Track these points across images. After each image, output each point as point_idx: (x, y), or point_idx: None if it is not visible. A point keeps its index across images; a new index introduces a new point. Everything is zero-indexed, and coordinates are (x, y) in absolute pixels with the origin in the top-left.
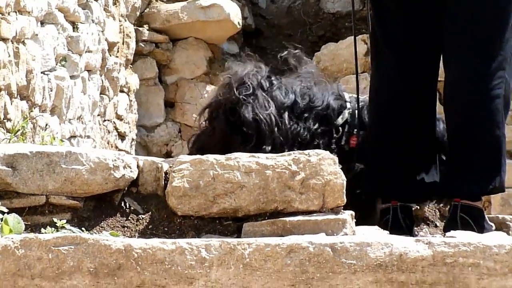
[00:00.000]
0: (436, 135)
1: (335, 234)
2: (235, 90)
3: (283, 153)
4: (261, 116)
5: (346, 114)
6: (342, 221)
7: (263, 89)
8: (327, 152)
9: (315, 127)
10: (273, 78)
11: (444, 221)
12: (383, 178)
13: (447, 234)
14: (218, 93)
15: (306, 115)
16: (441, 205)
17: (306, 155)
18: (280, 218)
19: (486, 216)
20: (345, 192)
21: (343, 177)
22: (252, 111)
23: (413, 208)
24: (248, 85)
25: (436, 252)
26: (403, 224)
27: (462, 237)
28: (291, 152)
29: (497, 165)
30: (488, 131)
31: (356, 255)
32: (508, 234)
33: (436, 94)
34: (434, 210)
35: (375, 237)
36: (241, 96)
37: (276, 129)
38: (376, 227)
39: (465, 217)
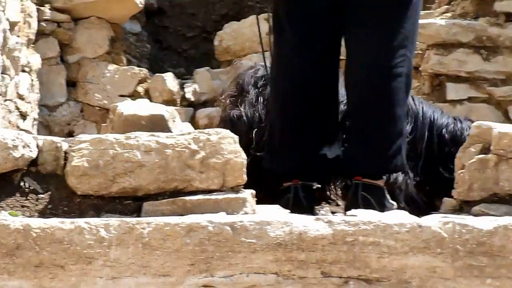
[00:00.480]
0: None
1: (235, 213)
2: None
3: (183, 132)
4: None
5: None
6: (242, 200)
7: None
8: (227, 131)
9: None
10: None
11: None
12: (283, 156)
13: (348, 213)
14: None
15: None
16: (343, 183)
17: (206, 134)
18: (180, 197)
19: (387, 194)
20: (245, 170)
21: (244, 155)
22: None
23: (314, 187)
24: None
25: (336, 231)
26: (304, 203)
27: (363, 215)
28: (191, 131)
29: (398, 144)
30: (390, 110)
31: (256, 234)
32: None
33: (338, 70)
34: (336, 189)
35: (275, 216)
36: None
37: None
38: (277, 206)
39: (366, 195)
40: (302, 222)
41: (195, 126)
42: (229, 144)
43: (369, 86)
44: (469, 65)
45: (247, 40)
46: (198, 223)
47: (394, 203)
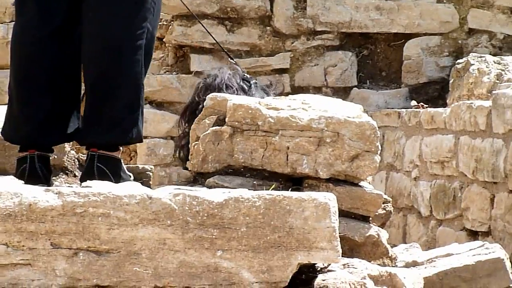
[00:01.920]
0: None
1: None
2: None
3: None
4: None
5: None
6: None
7: (244, 91)
8: None
9: None
10: (248, 79)
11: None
12: (19, 125)
13: (83, 184)
14: (197, 95)
15: None
16: (80, 154)
17: None
18: None
19: (123, 166)
20: None
21: None
22: None
23: (51, 157)
24: (234, 88)
25: (66, 202)
26: (40, 173)
27: (95, 187)
28: None
29: (135, 116)
30: (127, 82)
31: None
32: (149, 184)
33: (79, 43)
34: (74, 160)
35: (5, 186)
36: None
37: None
38: (12, 176)
39: (102, 167)
40: (31, 193)
41: None
42: None
43: (106, 58)
44: (213, 36)
45: None
46: None
47: (131, 174)
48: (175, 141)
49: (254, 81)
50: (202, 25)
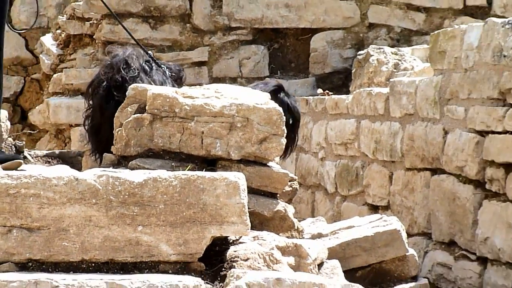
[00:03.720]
0: None
1: None
2: (122, 70)
3: None
4: None
5: None
6: None
7: (145, 72)
8: None
9: None
10: (152, 63)
11: None
12: None
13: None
14: (100, 73)
15: None
16: (16, 141)
17: None
18: None
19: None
20: None
21: None
22: None
23: None
24: (134, 68)
25: (2, 183)
26: None
27: (28, 170)
28: None
29: None
30: None
31: None
32: (80, 167)
33: None
34: (11, 146)
35: None
36: (128, 76)
37: None
38: None
39: None
40: None
41: None
42: None
43: None
44: (138, 33)
45: None
46: None
47: (13, 153)
48: None
49: (156, 66)
50: (121, 24)
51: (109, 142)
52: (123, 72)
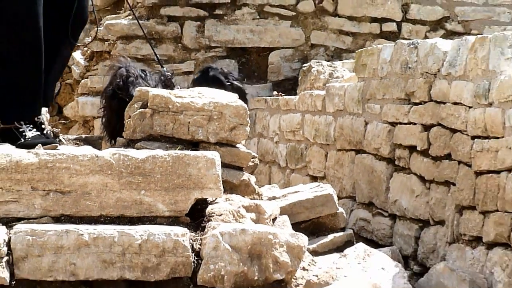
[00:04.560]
0: None
1: None
2: (123, 76)
3: None
4: None
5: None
6: None
7: (142, 78)
8: None
9: None
10: (146, 71)
11: None
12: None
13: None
14: (111, 83)
15: None
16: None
17: None
18: None
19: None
20: None
21: None
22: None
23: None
24: (132, 73)
25: (41, 159)
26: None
27: (61, 149)
28: None
29: None
30: None
31: None
32: (100, 148)
33: None
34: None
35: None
36: (130, 79)
37: None
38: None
39: None
40: (18, 154)
41: None
42: None
43: None
44: (144, 50)
45: None
46: None
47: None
48: None
49: (149, 74)
50: (150, 45)
51: (116, 129)
52: (124, 77)
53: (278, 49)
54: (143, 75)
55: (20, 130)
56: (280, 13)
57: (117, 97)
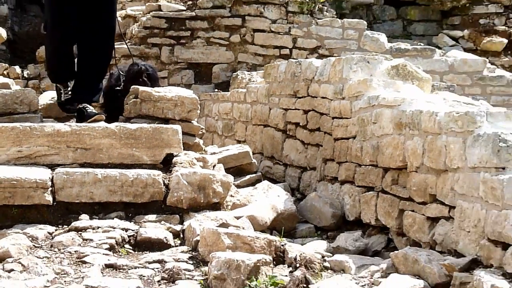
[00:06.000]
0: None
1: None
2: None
3: None
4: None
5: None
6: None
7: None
8: None
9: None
10: (153, 67)
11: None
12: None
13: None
14: (124, 77)
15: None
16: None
17: None
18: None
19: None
20: None
21: None
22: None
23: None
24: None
25: (73, 129)
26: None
27: (85, 123)
28: None
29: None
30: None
31: (40, 130)
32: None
33: None
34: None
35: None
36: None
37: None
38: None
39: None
40: (58, 125)
41: None
42: None
43: None
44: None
45: None
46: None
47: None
48: None
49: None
50: (132, 59)
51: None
52: (120, 79)
53: (218, 64)
54: (150, 70)
55: (86, 108)
56: (220, 42)
57: (115, 91)
